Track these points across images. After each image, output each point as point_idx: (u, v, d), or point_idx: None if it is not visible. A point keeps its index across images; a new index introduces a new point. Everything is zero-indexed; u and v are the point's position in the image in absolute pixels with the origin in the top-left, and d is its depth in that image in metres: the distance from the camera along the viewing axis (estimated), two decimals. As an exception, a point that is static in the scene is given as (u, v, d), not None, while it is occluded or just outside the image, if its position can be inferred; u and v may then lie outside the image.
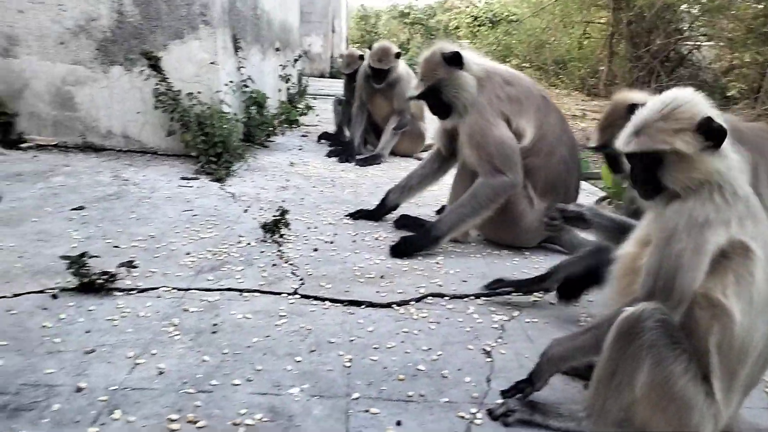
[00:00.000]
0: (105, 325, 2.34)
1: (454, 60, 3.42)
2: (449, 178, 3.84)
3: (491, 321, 2.61)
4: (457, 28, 25.39)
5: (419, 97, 3.58)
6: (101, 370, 2.03)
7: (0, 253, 2.97)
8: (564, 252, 3.58)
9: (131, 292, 2.64)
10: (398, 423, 1.85)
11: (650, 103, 1.83)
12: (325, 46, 16.33)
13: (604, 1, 15.98)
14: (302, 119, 6.83)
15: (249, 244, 3.34)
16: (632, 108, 1.97)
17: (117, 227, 3.44)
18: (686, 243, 1.70)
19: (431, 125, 4.98)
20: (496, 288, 2.84)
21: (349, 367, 2.16)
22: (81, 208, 3.72)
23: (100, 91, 5.21)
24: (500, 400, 1.95)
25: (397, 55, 5.79)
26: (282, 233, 3.41)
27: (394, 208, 4.00)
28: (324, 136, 6.71)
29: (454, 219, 3.42)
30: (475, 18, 24.61)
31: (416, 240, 3.41)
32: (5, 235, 3.18)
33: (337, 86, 11.33)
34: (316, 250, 3.32)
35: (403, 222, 3.84)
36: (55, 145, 5.24)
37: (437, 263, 3.26)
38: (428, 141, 6.30)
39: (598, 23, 17.22)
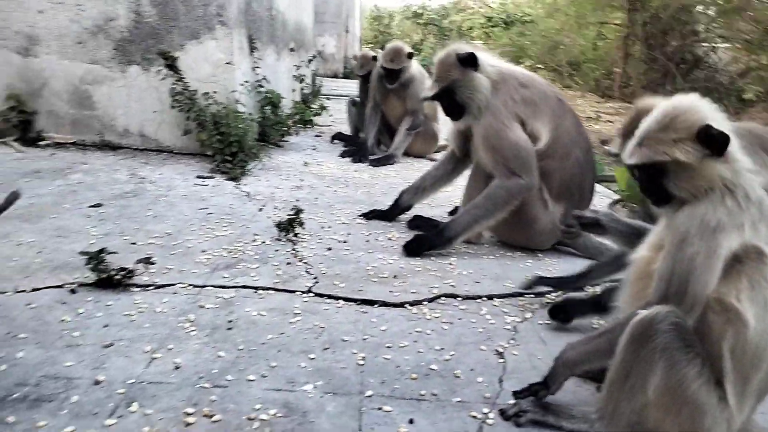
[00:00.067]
0: (122, 320, 2.37)
1: (469, 61, 3.42)
2: (463, 179, 3.86)
3: (504, 322, 2.62)
4: (470, 28, 25.33)
5: (433, 98, 3.59)
6: (119, 364, 2.07)
7: (19, 248, 3.02)
8: (578, 254, 3.58)
9: (148, 288, 2.68)
10: (411, 421, 1.87)
11: (653, 113, 1.85)
12: (339, 47, 16.37)
13: (619, 2, 15.88)
14: (316, 119, 6.87)
15: (264, 242, 3.37)
16: None
17: (134, 224, 3.49)
18: (698, 247, 1.70)
19: (445, 126, 4.99)
20: (535, 285, 2.85)
21: (362, 365, 2.18)
22: (99, 205, 3.77)
23: (117, 91, 5.28)
24: (512, 401, 1.96)
25: (409, 56, 5.80)
26: (296, 232, 3.44)
27: (408, 208, 4.01)
28: (338, 137, 6.74)
29: (468, 220, 3.43)
30: (489, 19, 24.54)
31: (429, 240, 3.43)
32: (25, 231, 3.23)
33: (351, 87, 11.37)
34: (329, 249, 3.35)
35: (416, 223, 3.85)
36: (73, 143, 5.32)
37: (450, 264, 3.28)
38: (442, 142, 6.31)
39: (613, 24, 17.12)
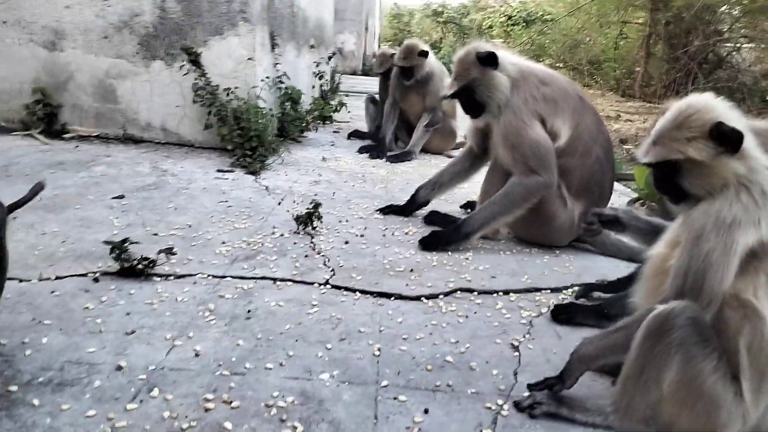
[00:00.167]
0: (144, 308, 2.42)
1: (489, 60, 3.42)
2: (480, 176, 3.86)
3: (519, 317, 2.63)
4: (490, 27, 25.25)
5: (452, 96, 3.59)
6: (140, 351, 2.11)
7: (44, 237, 3.09)
8: (595, 251, 3.57)
9: (169, 277, 2.73)
10: (426, 411, 1.89)
11: (668, 112, 1.86)
12: (359, 44, 16.42)
13: (641, 1, 15.72)
14: (335, 116, 6.91)
15: (282, 235, 3.41)
16: None
17: (156, 216, 3.55)
18: (715, 243, 1.71)
19: (463, 123, 5.00)
20: (588, 293, 2.86)
21: (378, 356, 2.21)
22: (121, 196, 3.84)
23: (141, 85, 5.36)
24: (527, 393, 1.97)
25: (422, 53, 5.79)
26: (314, 226, 3.48)
27: (425, 204, 4.03)
28: (355, 134, 6.77)
29: (486, 216, 3.44)
30: (509, 17, 24.44)
31: (446, 235, 3.44)
32: (49, 221, 3.31)
33: (370, 84, 11.40)
34: (347, 242, 3.38)
35: (433, 218, 3.86)
36: (96, 136, 5.41)
37: (466, 259, 3.29)
38: (459, 139, 6.32)
39: (635, 23, 16.96)
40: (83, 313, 2.35)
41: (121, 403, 1.82)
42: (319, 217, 3.49)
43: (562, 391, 1.94)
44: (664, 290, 1.85)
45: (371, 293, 2.74)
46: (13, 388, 1.84)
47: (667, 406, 1.74)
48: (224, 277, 2.79)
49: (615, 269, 3.31)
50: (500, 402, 1.96)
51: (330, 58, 8.16)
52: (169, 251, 2.81)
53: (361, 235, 3.53)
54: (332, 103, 7.04)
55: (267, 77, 5.55)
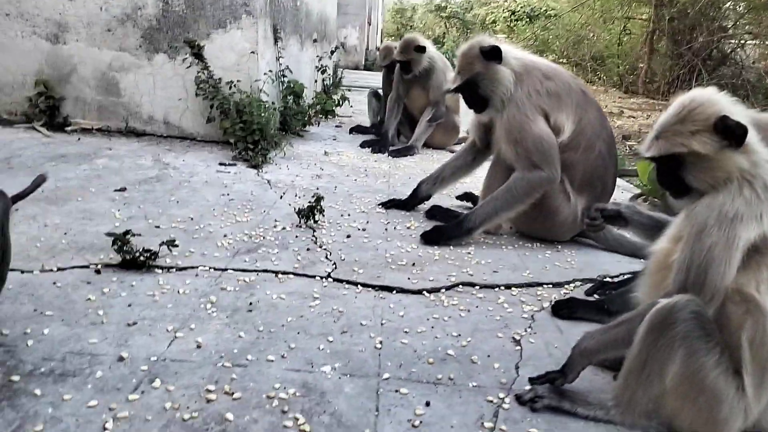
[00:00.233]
0: (146, 300, 2.42)
1: (492, 54, 3.41)
2: (482, 171, 3.85)
3: (521, 311, 2.62)
4: (494, 22, 25.20)
5: (456, 90, 3.58)
6: (142, 342, 2.11)
7: (46, 229, 3.08)
8: (597, 246, 3.57)
9: (171, 269, 2.73)
10: (427, 403, 1.89)
11: (670, 107, 1.85)
12: (361, 39, 16.40)
13: (646, -3, 15.69)
14: (337, 110, 6.90)
15: (284, 228, 3.41)
16: None
17: (157, 208, 3.55)
18: (717, 237, 1.70)
19: (466, 118, 4.99)
20: (599, 289, 2.85)
21: (379, 348, 2.21)
22: (123, 189, 3.84)
23: (143, 78, 5.35)
24: (528, 387, 1.97)
25: (418, 48, 5.77)
26: (316, 219, 3.47)
27: (427, 198, 4.02)
28: (356, 129, 6.76)
29: (488, 212, 3.43)
30: (513, 12, 24.39)
31: (448, 230, 3.44)
32: (51, 213, 3.30)
33: (372, 79, 11.39)
34: (348, 236, 3.38)
35: (434, 213, 3.86)
36: (98, 129, 5.41)
37: (468, 253, 3.29)
38: (462, 134, 6.31)
39: (639, 19, 16.91)
40: (85, 304, 2.35)
41: (123, 393, 1.82)
42: (321, 211, 3.49)
43: (564, 385, 1.94)
44: (667, 285, 1.84)
45: (373, 287, 2.74)
46: (15, 378, 1.84)
47: (670, 400, 1.74)
48: (226, 269, 2.78)
49: (617, 264, 3.31)
50: (502, 395, 1.96)
51: (333, 52, 8.17)
52: (170, 243, 2.80)
53: (363, 229, 3.53)
54: (335, 97, 7.03)
55: (270, 71, 5.54)
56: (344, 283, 2.76)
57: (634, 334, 1.77)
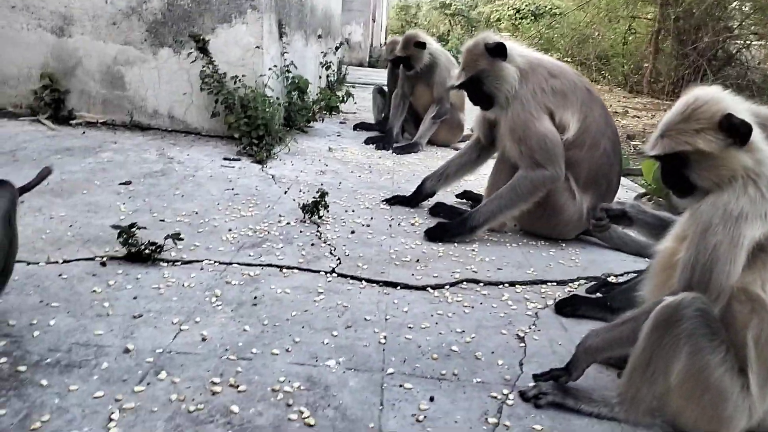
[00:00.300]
0: (151, 293, 2.43)
1: (498, 51, 3.40)
2: (486, 168, 3.85)
3: (525, 308, 2.63)
4: (498, 20, 25.16)
5: (460, 86, 3.58)
6: (148, 334, 2.12)
7: (51, 221, 3.09)
8: (602, 245, 3.56)
9: (176, 263, 2.73)
10: (431, 399, 1.89)
11: (675, 105, 1.85)
12: (365, 35, 16.38)
13: (651, -4, 15.65)
14: (341, 106, 6.90)
15: (288, 223, 3.41)
16: None
17: (162, 202, 3.56)
18: (722, 236, 1.70)
19: (470, 115, 4.98)
20: (602, 288, 2.85)
21: (384, 343, 2.21)
22: (128, 183, 3.85)
23: (148, 72, 5.35)
24: (532, 383, 1.97)
25: (418, 44, 5.77)
26: (321, 215, 3.48)
27: (431, 195, 4.03)
28: (360, 126, 6.76)
29: (492, 210, 3.43)
30: (518, 11, 24.34)
31: (452, 227, 3.44)
32: (56, 206, 3.31)
33: (376, 75, 11.38)
34: (353, 232, 3.38)
35: (438, 210, 3.86)
36: (103, 123, 5.41)
37: (473, 250, 3.29)
38: (467, 131, 6.31)
39: (645, 19, 16.87)
40: (90, 296, 2.36)
41: (129, 385, 1.83)
42: (326, 206, 3.49)
43: (568, 383, 1.94)
44: (672, 285, 1.84)
45: (377, 282, 2.74)
46: (22, 368, 1.85)
47: (674, 397, 1.74)
48: (231, 263, 2.79)
49: (621, 263, 3.32)
50: (506, 391, 1.97)
51: (337, 48, 8.16)
52: (176, 237, 2.81)
53: (367, 225, 3.53)
54: (339, 93, 7.03)
55: (274, 66, 5.54)
56: (348, 278, 2.76)
57: (639, 331, 1.77)
